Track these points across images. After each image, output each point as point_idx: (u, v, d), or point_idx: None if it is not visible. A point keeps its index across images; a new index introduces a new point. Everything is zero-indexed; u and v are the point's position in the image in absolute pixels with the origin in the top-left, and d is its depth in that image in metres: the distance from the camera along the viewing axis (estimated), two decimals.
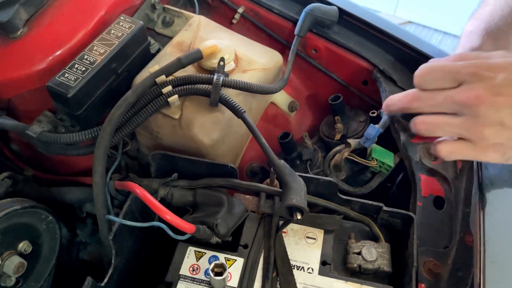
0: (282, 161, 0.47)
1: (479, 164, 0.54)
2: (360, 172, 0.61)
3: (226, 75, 0.53)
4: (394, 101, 0.50)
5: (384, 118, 0.55)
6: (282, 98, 0.67)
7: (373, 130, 0.54)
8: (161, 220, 0.45)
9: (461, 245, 0.50)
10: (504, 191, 0.52)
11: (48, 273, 0.53)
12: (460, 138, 0.45)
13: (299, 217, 0.45)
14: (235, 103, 0.48)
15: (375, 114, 0.58)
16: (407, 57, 0.62)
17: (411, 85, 0.61)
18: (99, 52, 0.52)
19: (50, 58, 0.54)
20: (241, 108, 0.47)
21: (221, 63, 0.52)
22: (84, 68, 0.51)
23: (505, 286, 0.43)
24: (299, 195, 0.45)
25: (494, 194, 0.51)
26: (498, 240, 0.47)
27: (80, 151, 0.51)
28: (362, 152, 0.58)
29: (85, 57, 0.52)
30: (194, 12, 0.68)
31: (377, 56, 0.63)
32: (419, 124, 0.47)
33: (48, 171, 0.67)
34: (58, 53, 0.55)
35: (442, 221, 0.53)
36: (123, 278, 0.49)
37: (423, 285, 0.47)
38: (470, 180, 0.54)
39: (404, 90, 0.61)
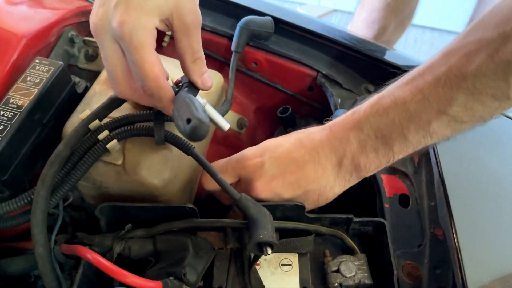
0: (243, 194, 0.44)
1: (437, 156, 0.54)
2: None
3: None
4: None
5: (339, 113, 0.55)
6: (229, 118, 0.64)
7: None
8: (123, 284, 0.40)
9: (433, 240, 0.50)
10: (465, 179, 0.53)
11: None
12: None
13: (269, 252, 0.42)
14: (182, 139, 0.44)
15: (329, 121, 0.57)
16: (348, 57, 0.61)
17: (356, 86, 0.61)
18: (16, 105, 0.46)
19: None
20: (189, 144, 0.44)
21: None
22: (2, 127, 0.44)
23: (488, 274, 0.43)
24: (265, 228, 0.42)
25: (456, 184, 0.51)
26: (470, 230, 0.47)
27: (14, 221, 0.45)
28: None
29: (1, 113, 0.45)
30: None
31: (319, 61, 0.61)
32: None
33: None
34: None
35: (410, 218, 0.52)
36: None
37: None
38: (430, 172, 0.55)
39: (351, 91, 0.60)
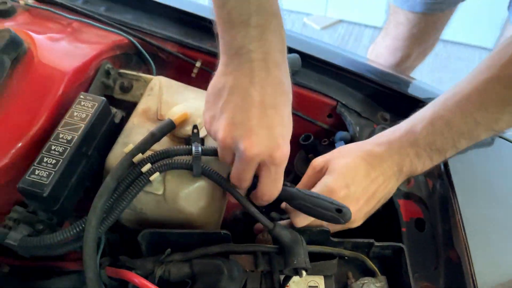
0: (277, 223, 0.48)
1: (450, 180, 0.58)
2: None
3: (202, 141, 0.53)
4: None
5: (339, 135, 0.63)
6: None
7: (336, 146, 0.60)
8: None
9: (448, 263, 0.53)
10: (479, 203, 0.57)
11: None
12: None
13: (304, 274, 0.46)
14: (218, 175, 0.48)
15: (326, 143, 0.63)
16: (366, 87, 0.65)
17: (373, 114, 0.65)
18: (66, 140, 0.50)
19: (12, 151, 0.51)
20: (226, 183, 0.48)
21: (195, 130, 0.52)
22: (54, 161, 0.49)
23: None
24: (299, 254, 0.46)
25: (470, 207, 0.55)
26: (484, 254, 0.51)
27: (66, 248, 0.49)
28: None
29: (53, 147, 0.50)
30: (150, 71, 0.66)
31: (338, 90, 0.65)
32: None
33: (25, 258, 0.63)
34: (19, 145, 0.52)
35: (426, 242, 0.56)
36: None
37: None
38: (444, 196, 0.59)
39: (368, 120, 0.64)
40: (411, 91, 0.65)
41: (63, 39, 0.62)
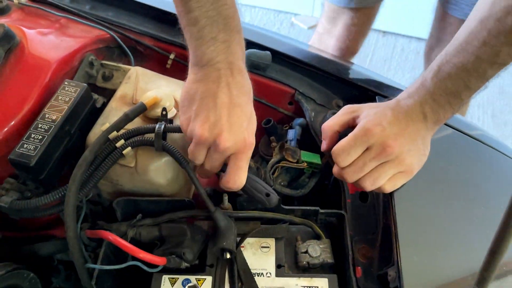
0: (218, 209, 0.57)
1: None
2: (298, 177, 0.72)
3: (170, 121, 0.60)
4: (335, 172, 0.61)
5: (297, 122, 0.69)
6: None
7: (292, 132, 0.67)
8: (135, 258, 0.52)
9: (385, 229, 0.61)
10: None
11: None
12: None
13: (228, 256, 0.55)
14: (179, 154, 0.56)
15: (286, 127, 0.71)
16: (322, 77, 0.73)
17: (328, 101, 0.73)
18: (51, 119, 0.58)
19: (5, 129, 0.59)
20: (184, 160, 0.56)
21: (164, 112, 0.60)
22: (40, 137, 0.56)
23: (418, 258, 0.55)
24: (229, 238, 0.55)
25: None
26: (407, 220, 0.59)
27: (49, 211, 0.56)
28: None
29: (39, 125, 0.57)
30: (129, 63, 0.74)
31: (297, 80, 0.73)
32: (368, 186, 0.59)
33: (15, 229, 0.71)
34: (11, 124, 0.59)
35: (368, 212, 0.64)
36: None
37: (359, 268, 0.57)
38: None
39: (323, 106, 0.72)
40: (362, 80, 0.73)
41: (51, 34, 0.70)
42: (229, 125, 0.51)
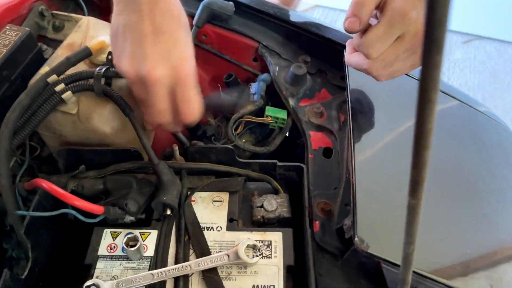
0: (162, 162, 0.53)
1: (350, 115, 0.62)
2: (264, 138, 0.68)
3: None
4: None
5: (261, 77, 0.66)
6: None
7: (255, 85, 0.64)
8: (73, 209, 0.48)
9: (347, 184, 0.57)
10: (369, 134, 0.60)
11: None
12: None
13: (168, 212, 0.51)
14: (120, 99, 0.52)
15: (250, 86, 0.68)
16: (288, 31, 0.69)
17: (295, 57, 0.69)
18: None
19: None
20: (127, 106, 0.52)
21: (109, 56, 0.55)
22: None
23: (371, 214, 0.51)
24: (171, 193, 0.51)
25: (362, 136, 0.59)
26: (365, 169, 0.55)
27: None
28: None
29: None
30: (84, 15, 0.70)
31: (261, 34, 0.69)
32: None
33: None
34: None
35: (331, 167, 0.60)
36: (45, 271, 0.51)
37: (317, 222, 0.54)
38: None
39: (288, 61, 0.68)
40: (330, 34, 0.68)
41: None
42: (156, 54, 0.47)
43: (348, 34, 0.72)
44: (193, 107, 0.51)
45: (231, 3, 0.69)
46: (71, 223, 0.53)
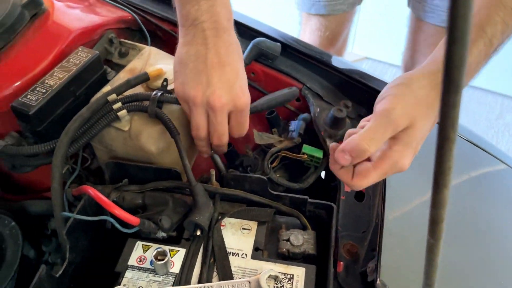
0: (199, 184, 0.56)
1: None
2: (299, 175, 0.70)
3: (169, 92, 0.61)
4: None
5: (301, 116, 0.68)
6: None
7: (295, 123, 0.67)
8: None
9: (376, 229, 0.57)
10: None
11: (11, 277, 0.58)
12: None
13: (198, 233, 0.54)
14: (170, 122, 0.56)
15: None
16: (331, 76, 0.72)
17: (336, 100, 0.72)
18: (58, 77, 0.61)
19: (16, 84, 0.62)
20: (175, 130, 0.56)
21: (164, 83, 0.61)
22: (44, 90, 0.59)
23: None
24: (203, 215, 0.54)
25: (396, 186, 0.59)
26: (395, 214, 0.55)
27: (40, 161, 0.58)
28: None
29: (46, 81, 0.60)
30: (147, 45, 0.77)
31: (305, 76, 0.73)
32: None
33: (16, 192, 0.73)
34: (23, 80, 0.62)
35: (362, 211, 0.60)
36: (79, 274, 0.55)
37: (341, 263, 0.54)
38: None
39: (330, 104, 0.71)
40: (372, 83, 0.71)
41: (78, 8, 0.74)
42: (221, 84, 0.53)
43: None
44: (244, 130, 0.58)
45: (278, 44, 0.73)
46: (108, 232, 0.56)
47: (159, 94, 0.57)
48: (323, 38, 1.21)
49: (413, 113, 0.47)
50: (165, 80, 0.61)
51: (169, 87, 0.62)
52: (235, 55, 0.55)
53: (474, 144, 0.76)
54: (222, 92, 0.53)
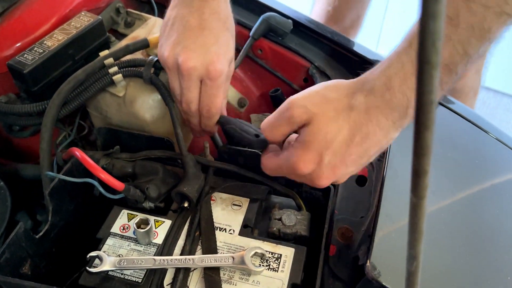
0: (190, 154, 0.53)
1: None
2: None
3: None
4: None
5: None
6: (231, 94, 0.73)
7: None
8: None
9: (375, 215, 0.54)
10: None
11: None
12: None
13: (186, 204, 0.51)
14: (165, 89, 0.54)
15: None
16: (340, 55, 0.69)
17: (344, 78, 0.68)
18: (57, 39, 0.59)
19: (17, 45, 0.61)
20: (170, 97, 0.54)
21: None
22: (41, 50, 0.58)
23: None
24: (192, 186, 0.51)
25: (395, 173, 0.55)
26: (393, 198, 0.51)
27: (32, 121, 0.57)
28: None
29: (44, 42, 0.59)
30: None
31: (315, 54, 0.69)
32: None
33: (14, 159, 0.72)
34: (24, 41, 0.62)
35: (362, 196, 0.57)
36: (63, 238, 0.53)
37: (334, 246, 0.50)
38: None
39: None
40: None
41: None
42: (194, 45, 0.49)
43: None
44: (214, 104, 0.52)
45: (290, 20, 0.70)
46: (96, 199, 0.55)
47: (155, 59, 0.55)
48: (330, 13, 1.16)
49: (314, 110, 0.41)
50: None
51: None
52: (219, 22, 0.52)
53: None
54: (192, 54, 0.49)
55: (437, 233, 0.51)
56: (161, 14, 0.76)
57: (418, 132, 0.20)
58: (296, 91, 0.73)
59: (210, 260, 0.47)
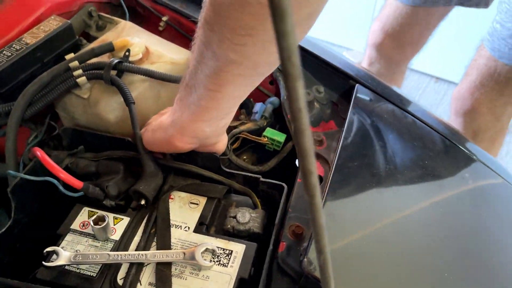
0: (148, 154, 0.56)
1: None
2: (266, 159, 0.69)
3: (130, 63, 0.61)
4: None
5: (269, 100, 0.66)
6: None
7: (259, 105, 0.63)
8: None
9: None
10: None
11: None
12: None
13: (142, 202, 0.53)
14: (127, 91, 0.56)
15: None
16: (307, 60, 0.71)
17: (308, 85, 0.70)
18: (26, 42, 0.62)
19: None
20: (130, 98, 0.56)
21: (127, 53, 0.61)
22: (9, 54, 0.60)
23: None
24: (149, 185, 0.53)
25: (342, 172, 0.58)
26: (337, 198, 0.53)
27: (1, 122, 0.59)
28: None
29: (13, 45, 0.61)
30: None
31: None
32: None
33: None
34: None
35: None
36: (25, 234, 0.55)
37: (284, 243, 0.52)
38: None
39: None
40: (347, 69, 0.69)
41: None
42: None
43: (367, 72, 0.72)
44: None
45: None
46: (61, 197, 0.57)
47: (116, 61, 0.57)
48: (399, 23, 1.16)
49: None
50: (128, 50, 0.61)
51: (133, 58, 0.62)
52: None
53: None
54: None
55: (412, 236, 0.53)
56: (134, 19, 0.78)
57: (296, 138, 0.22)
58: (262, 93, 0.76)
59: (162, 255, 0.49)
